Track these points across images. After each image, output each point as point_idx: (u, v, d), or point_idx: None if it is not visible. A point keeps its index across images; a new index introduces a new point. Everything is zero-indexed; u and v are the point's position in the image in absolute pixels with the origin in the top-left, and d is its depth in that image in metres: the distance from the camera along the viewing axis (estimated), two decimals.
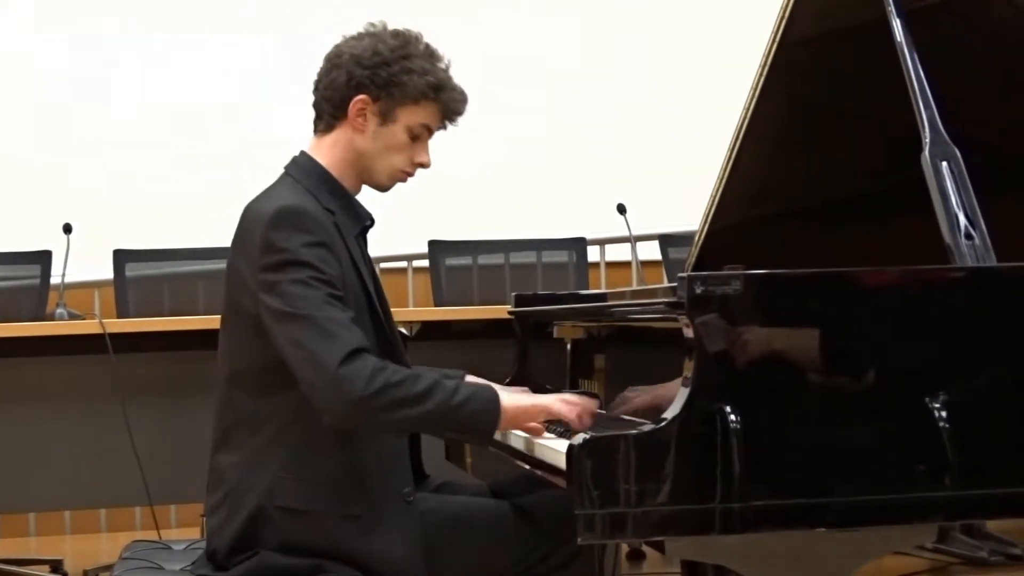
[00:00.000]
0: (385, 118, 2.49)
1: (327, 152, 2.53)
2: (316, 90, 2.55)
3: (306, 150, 2.56)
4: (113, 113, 6.67)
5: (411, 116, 2.50)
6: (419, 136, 2.52)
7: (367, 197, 2.60)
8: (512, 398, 2.43)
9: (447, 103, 2.52)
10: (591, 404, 2.51)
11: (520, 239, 5.33)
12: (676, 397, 2.12)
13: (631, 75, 7.07)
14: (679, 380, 2.15)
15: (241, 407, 2.44)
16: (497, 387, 2.49)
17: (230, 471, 2.43)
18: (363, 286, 2.47)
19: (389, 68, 2.47)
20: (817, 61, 2.82)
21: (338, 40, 2.56)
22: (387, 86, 2.47)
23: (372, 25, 2.55)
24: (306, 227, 2.37)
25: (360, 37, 2.53)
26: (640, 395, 2.61)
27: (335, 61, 2.51)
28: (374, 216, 2.60)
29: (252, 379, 2.43)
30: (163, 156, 6.63)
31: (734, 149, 2.82)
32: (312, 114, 2.57)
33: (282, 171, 2.56)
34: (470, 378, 2.64)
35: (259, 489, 2.38)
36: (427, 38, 2.57)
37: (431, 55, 2.52)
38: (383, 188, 2.57)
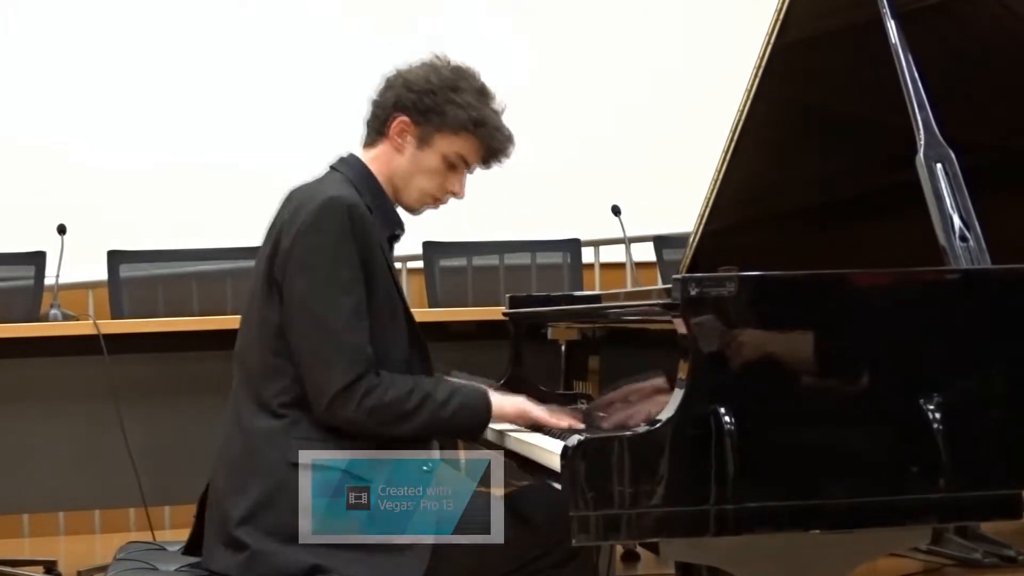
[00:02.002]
0: (422, 142, 2.61)
1: (372, 163, 2.64)
2: (370, 106, 2.67)
3: (355, 154, 2.67)
4: (108, 114, 6.67)
5: (448, 145, 2.61)
6: (455, 166, 2.63)
7: None
8: (499, 401, 2.56)
9: (486, 140, 2.62)
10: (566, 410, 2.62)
11: (514, 240, 5.33)
12: (670, 399, 2.12)
13: (626, 76, 7.08)
14: (648, 386, 2.16)
15: (287, 375, 2.47)
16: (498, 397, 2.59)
17: (265, 434, 2.46)
18: (397, 290, 2.55)
19: (435, 97, 2.59)
20: (811, 63, 2.82)
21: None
22: (428, 112, 2.59)
23: (436, 56, 2.67)
24: (352, 220, 2.45)
25: (420, 65, 2.65)
26: (618, 408, 2.64)
27: (390, 82, 2.64)
28: None
29: (275, 348, 2.47)
30: (158, 158, 6.63)
31: (729, 151, 2.83)
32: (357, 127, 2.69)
33: (328, 168, 2.65)
34: (495, 396, 2.63)
35: (282, 451, 2.42)
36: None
37: (483, 94, 2.64)
38: (412, 210, 2.68)
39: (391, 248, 2.65)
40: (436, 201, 2.68)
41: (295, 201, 2.54)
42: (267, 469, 2.43)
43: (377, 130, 2.64)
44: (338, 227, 2.44)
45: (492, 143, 2.63)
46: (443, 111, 2.59)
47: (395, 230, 2.66)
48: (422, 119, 2.60)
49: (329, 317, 2.42)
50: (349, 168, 2.62)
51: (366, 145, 2.67)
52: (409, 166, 2.62)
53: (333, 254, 2.43)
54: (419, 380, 2.50)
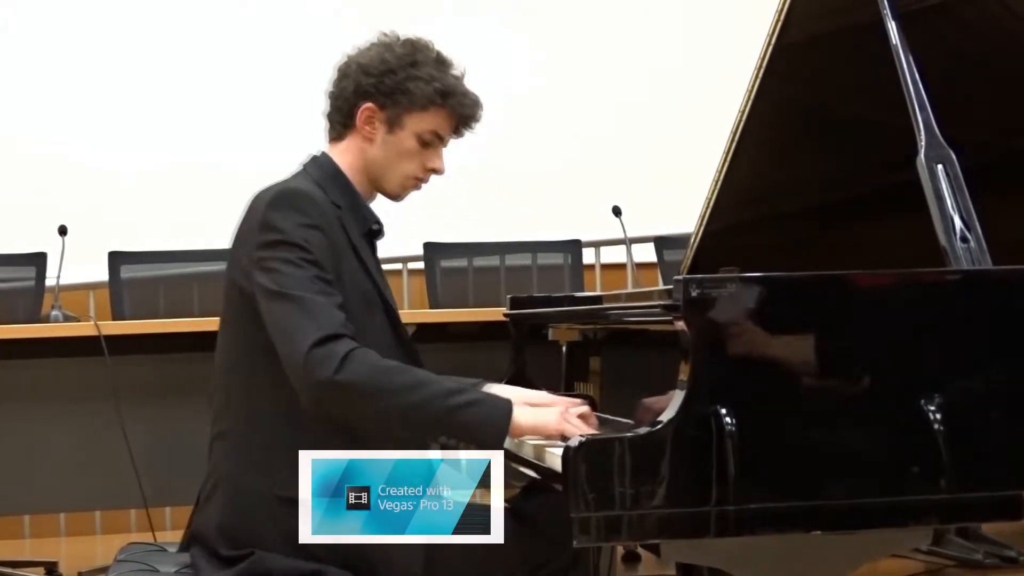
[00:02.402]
0: (392, 125, 2.51)
1: (339, 158, 2.56)
2: (328, 99, 2.57)
3: (327, 152, 2.59)
4: (109, 115, 6.67)
5: (419, 123, 2.52)
6: (430, 143, 2.54)
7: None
8: (520, 414, 2.35)
9: (457, 109, 2.53)
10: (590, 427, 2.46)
11: (515, 241, 5.33)
12: (671, 400, 2.12)
13: (627, 77, 7.08)
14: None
15: (238, 397, 2.44)
16: (511, 392, 2.46)
17: (223, 460, 2.44)
18: (374, 285, 2.49)
19: (395, 76, 2.49)
20: (812, 64, 2.82)
21: (346, 48, 2.59)
22: (393, 94, 2.49)
23: (384, 35, 2.57)
24: (302, 208, 2.39)
25: (370, 47, 2.55)
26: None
27: (344, 71, 2.54)
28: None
29: (249, 366, 2.43)
30: (159, 159, 6.63)
31: (730, 151, 2.83)
32: (323, 122, 2.61)
33: (299, 167, 2.58)
34: (492, 386, 2.55)
35: (257, 477, 2.38)
36: (428, 38, 2.58)
37: (441, 62, 2.53)
38: (395, 196, 2.59)
39: (372, 245, 2.58)
40: (419, 181, 2.58)
41: (253, 202, 2.47)
42: (231, 495, 2.41)
43: (341, 123, 2.55)
44: (287, 215, 2.37)
45: (462, 111, 2.54)
46: (407, 89, 2.49)
47: (370, 225, 2.57)
48: (388, 102, 2.50)
49: (293, 289, 2.32)
50: (317, 167, 2.54)
51: (333, 140, 2.58)
52: (384, 153, 2.53)
53: (287, 241, 2.35)
54: (426, 371, 2.41)
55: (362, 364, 2.28)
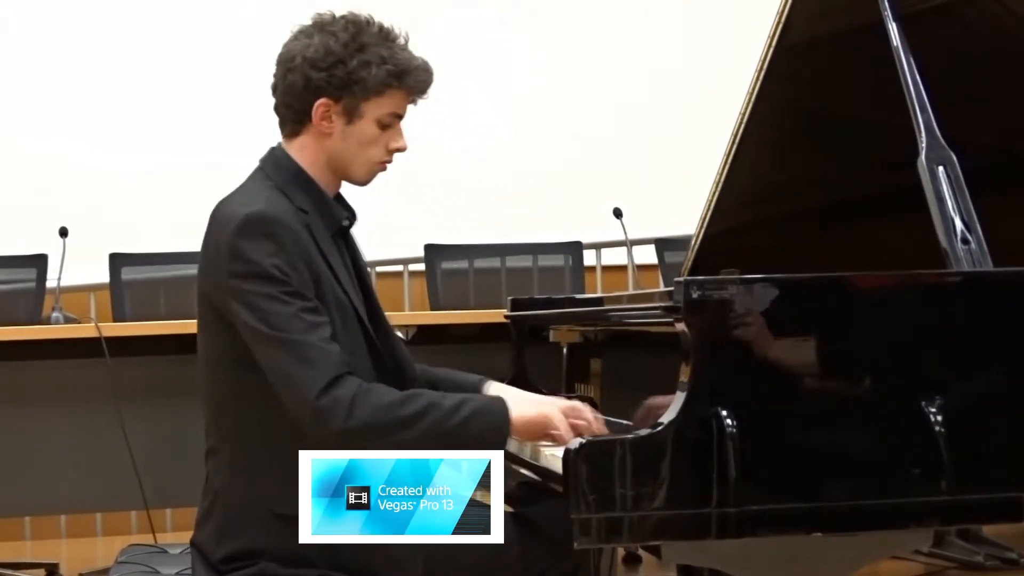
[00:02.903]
0: (351, 116, 2.41)
1: (298, 155, 2.46)
2: (275, 94, 2.47)
3: (282, 144, 2.49)
4: (110, 117, 6.67)
5: (377, 108, 2.42)
6: (390, 124, 2.45)
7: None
8: (520, 410, 2.35)
9: (411, 84, 2.43)
10: (592, 427, 2.43)
11: (516, 243, 5.33)
12: (672, 401, 2.12)
13: (627, 78, 7.08)
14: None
15: (225, 413, 2.41)
16: (510, 392, 2.47)
17: (217, 474, 2.41)
18: (344, 292, 2.41)
19: (345, 66, 2.38)
20: (813, 65, 2.82)
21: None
22: (346, 85, 2.39)
23: (319, 15, 2.45)
24: (273, 235, 2.30)
25: (309, 34, 2.43)
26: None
27: (288, 65, 2.42)
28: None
29: (231, 380, 2.38)
30: (160, 160, 6.63)
31: (730, 153, 2.82)
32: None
33: (257, 164, 2.50)
34: (492, 385, 2.58)
35: (250, 493, 2.36)
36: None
37: (386, 37, 2.42)
38: (362, 183, 2.50)
39: (347, 240, 2.51)
40: (384, 164, 2.48)
41: (216, 220, 2.39)
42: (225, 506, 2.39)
43: (295, 120, 2.43)
44: (256, 245, 2.28)
45: (417, 85, 2.43)
46: (360, 78, 2.38)
47: (341, 222, 2.48)
48: (342, 94, 2.38)
49: (283, 331, 2.26)
50: (277, 168, 2.44)
51: (287, 136, 2.46)
52: (346, 144, 2.42)
53: (260, 273, 2.28)
54: (422, 390, 2.40)
55: (369, 406, 2.26)
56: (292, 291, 2.29)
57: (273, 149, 2.49)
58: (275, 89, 2.47)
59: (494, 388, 2.59)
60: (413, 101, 2.47)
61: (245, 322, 2.29)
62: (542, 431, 2.39)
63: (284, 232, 2.31)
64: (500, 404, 2.34)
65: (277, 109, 2.47)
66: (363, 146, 2.44)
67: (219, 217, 2.39)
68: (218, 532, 2.38)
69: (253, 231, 2.30)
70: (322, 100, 2.40)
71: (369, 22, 2.42)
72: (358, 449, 2.27)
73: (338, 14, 2.44)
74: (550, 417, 2.38)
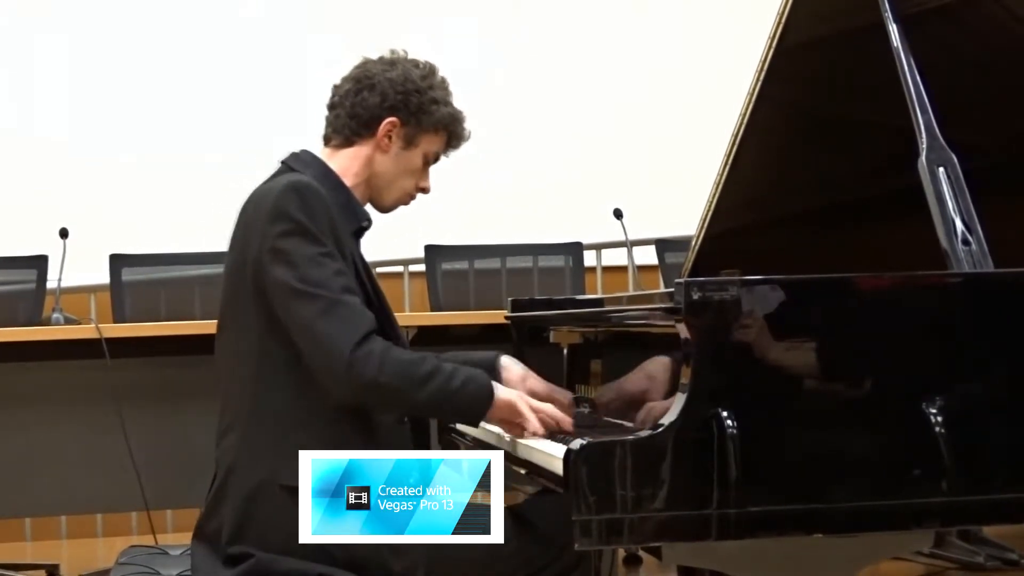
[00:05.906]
0: (409, 142, 2.60)
1: (341, 164, 2.60)
2: (338, 106, 2.62)
3: (308, 149, 2.62)
4: (110, 117, 6.67)
5: (428, 144, 2.62)
6: (427, 163, 2.65)
7: None
8: (500, 389, 2.49)
9: (456, 135, 2.65)
10: (559, 414, 2.52)
11: (516, 244, 5.33)
12: (673, 402, 2.12)
13: (627, 78, 7.08)
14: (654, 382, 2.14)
15: (246, 388, 2.46)
16: (515, 366, 2.66)
17: (229, 452, 2.46)
18: (360, 283, 2.50)
19: (420, 96, 2.59)
20: (814, 66, 2.82)
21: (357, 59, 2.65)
22: (417, 112, 2.59)
23: (394, 52, 2.65)
24: (315, 203, 2.43)
25: (391, 62, 2.62)
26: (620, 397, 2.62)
27: (366, 82, 2.60)
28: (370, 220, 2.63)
29: (258, 359, 2.45)
30: (160, 161, 6.63)
31: (731, 154, 2.83)
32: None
33: (279, 164, 2.61)
34: (505, 358, 2.74)
35: (261, 467, 2.40)
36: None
37: (445, 88, 2.64)
38: (386, 209, 2.67)
39: (357, 243, 2.60)
40: (410, 199, 2.68)
41: (253, 198, 2.52)
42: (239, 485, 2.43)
43: (355, 131, 2.60)
44: (302, 206, 2.42)
45: (460, 134, 2.66)
46: (429, 111, 2.60)
47: (360, 223, 2.60)
48: (410, 119, 2.59)
49: (322, 286, 2.38)
50: (304, 165, 2.58)
51: (334, 146, 2.63)
52: (394, 167, 2.61)
53: (304, 231, 2.40)
54: (424, 352, 2.49)
55: (396, 362, 2.37)
56: (329, 252, 2.42)
57: (297, 152, 2.62)
58: (342, 102, 2.63)
59: (508, 362, 2.73)
60: (447, 151, 2.67)
61: (280, 279, 2.40)
62: (511, 415, 2.49)
63: (322, 203, 2.45)
64: (485, 378, 2.48)
65: (336, 120, 2.62)
66: (405, 173, 2.63)
67: (254, 197, 2.52)
68: (228, 507, 2.42)
69: (297, 196, 2.44)
70: (392, 119, 2.58)
71: (435, 70, 2.65)
72: (377, 404, 2.43)
73: (409, 55, 2.65)
74: (518, 405, 2.48)
